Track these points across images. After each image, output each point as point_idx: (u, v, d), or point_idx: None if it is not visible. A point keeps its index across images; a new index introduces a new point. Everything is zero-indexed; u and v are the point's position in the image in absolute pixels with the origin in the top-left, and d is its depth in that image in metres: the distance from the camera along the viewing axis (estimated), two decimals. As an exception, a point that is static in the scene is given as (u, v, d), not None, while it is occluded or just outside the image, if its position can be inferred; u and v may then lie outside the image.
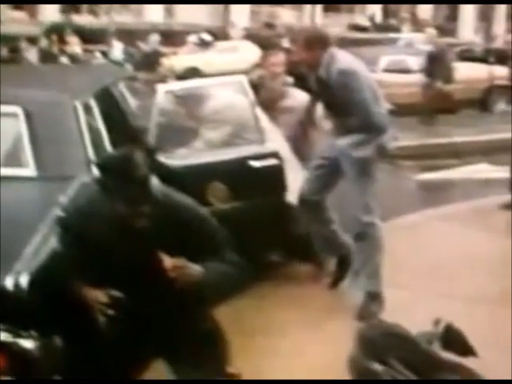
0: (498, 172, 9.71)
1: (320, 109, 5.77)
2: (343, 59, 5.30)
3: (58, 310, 3.35)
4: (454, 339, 3.77)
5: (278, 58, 6.61)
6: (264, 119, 5.94)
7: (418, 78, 14.95)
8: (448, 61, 15.03)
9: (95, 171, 3.46)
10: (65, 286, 3.35)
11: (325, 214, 5.69)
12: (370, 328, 3.62)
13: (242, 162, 5.58)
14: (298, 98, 6.25)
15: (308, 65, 5.40)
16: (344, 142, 5.30)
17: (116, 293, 3.27)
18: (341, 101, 5.23)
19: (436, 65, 14.60)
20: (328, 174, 5.53)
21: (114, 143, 4.89)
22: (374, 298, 5.39)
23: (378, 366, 3.30)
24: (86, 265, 3.33)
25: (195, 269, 3.21)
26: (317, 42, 5.28)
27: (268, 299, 5.65)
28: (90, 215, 3.36)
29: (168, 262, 3.13)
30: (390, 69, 15.57)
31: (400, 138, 10.26)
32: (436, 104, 14.27)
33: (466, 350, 3.69)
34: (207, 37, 24.03)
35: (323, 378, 4.25)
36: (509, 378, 4.13)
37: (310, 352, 4.83)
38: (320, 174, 5.57)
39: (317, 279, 6.07)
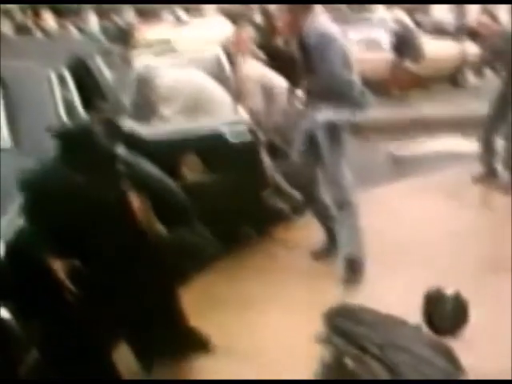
0: (470, 145, 9.81)
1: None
2: (324, 23, 5.40)
3: (32, 282, 3.38)
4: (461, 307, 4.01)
5: (248, 34, 6.70)
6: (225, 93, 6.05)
7: (390, 55, 15.04)
8: (416, 40, 15.06)
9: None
10: (35, 256, 3.38)
11: (320, 197, 5.82)
12: (340, 310, 3.60)
13: (216, 135, 5.66)
14: (252, 66, 6.31)
15: (292, 29, 5.47)
16: (315, 112, 5.41)
17: (77, 262, 3.29)
18: (316, 64, 5.32)
19: (404, 44, 14.65)
20: (311, 154, 5.63)
21: (88, 113, 4.95)
22: (355, 264, 5.51)
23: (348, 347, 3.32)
24: (51, 235, 3.36)
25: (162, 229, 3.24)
26: (300, 5, 5.35)
27: (240, 271, 5.72)
28: (55, 184, 3.39)
29: (137, 202, 3.15)
30: (362, 45, 15.59)
31: (371, 112, 10.33)
32: (405, 83, 14.33)
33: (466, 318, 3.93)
34: (183, 15, 23.92)
35: (296, 351, 4.25)
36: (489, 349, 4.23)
37: (282, 324, 4.86)
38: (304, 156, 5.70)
39: (289, 251, 6.16)
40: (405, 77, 14.36)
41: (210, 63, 6.20)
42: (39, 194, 3.41)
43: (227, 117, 5.85)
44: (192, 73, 6.01)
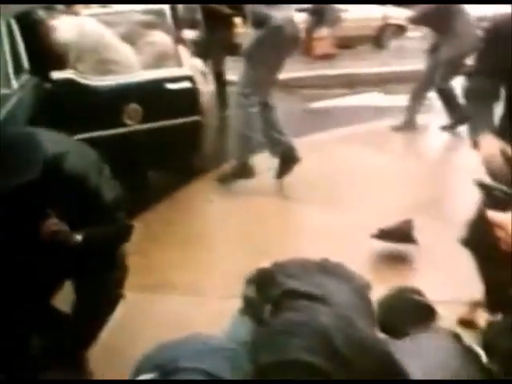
0: (389, 100, 10.32)
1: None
2: None
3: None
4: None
5: None
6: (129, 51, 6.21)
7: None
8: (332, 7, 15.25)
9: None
10: None
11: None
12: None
13: (158, 84, 5.95)
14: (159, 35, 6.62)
15: None
16: None
17: None
18: None
19: (320, 10, 14.82)
20: None
21: (32, 63, 5.19)
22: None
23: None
24: None
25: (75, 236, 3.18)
26: None
27: (180, 211, 5.96)
28: None
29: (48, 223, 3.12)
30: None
31: (297, 69, 10.64)
32: (320, 49, 14.50)
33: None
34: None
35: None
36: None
37: (224, 261, 4.97)
38: None
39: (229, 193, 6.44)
40: (320, 43, 14.41)
41: (157, 17, 6.53)
42: None
43: (168, 66, 6.17)
44: (91, 23, 5.98)
